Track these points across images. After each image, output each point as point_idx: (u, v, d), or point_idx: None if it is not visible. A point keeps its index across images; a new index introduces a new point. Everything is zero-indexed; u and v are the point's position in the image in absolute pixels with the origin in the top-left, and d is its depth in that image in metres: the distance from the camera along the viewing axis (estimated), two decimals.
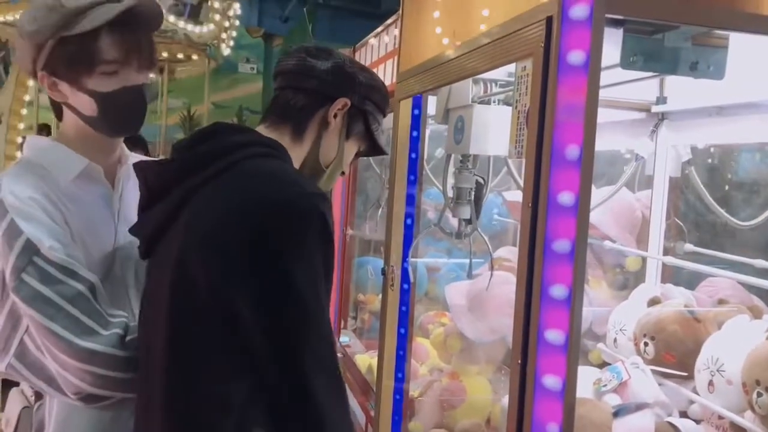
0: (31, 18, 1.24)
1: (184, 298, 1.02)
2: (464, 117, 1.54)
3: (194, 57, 6.55)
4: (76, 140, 1.33)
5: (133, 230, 1.20)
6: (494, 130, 1.50)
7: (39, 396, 1.32)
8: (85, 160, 1.31)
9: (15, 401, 1.37)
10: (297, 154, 1.22)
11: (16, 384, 1.38)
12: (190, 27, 6.00)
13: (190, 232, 1.03)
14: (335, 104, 1.23)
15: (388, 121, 1.58)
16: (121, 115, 1.30)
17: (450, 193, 1.69)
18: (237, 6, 6.57)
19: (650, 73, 1.48)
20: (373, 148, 1.33)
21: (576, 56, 0.92)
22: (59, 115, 1.37)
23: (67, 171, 1.30)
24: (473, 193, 1.64)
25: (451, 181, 1.72)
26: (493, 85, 1.53)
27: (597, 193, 1.96)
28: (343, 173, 1.32)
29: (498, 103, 1.54)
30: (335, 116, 1.23)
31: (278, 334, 0.97)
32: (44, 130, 5.64)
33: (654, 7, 0.96)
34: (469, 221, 1.67)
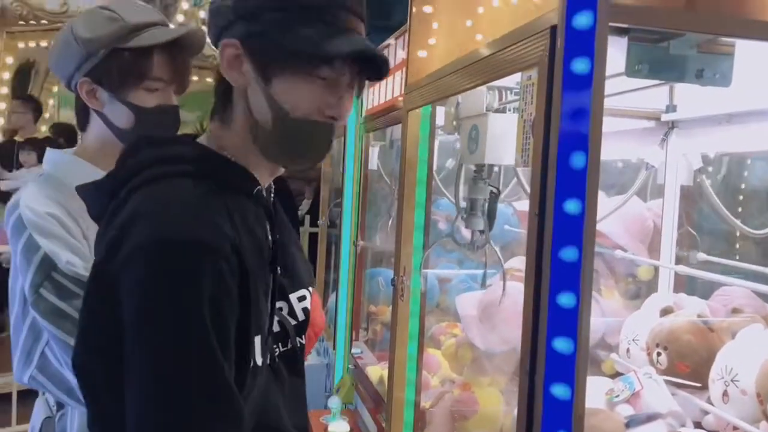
0: (89, 26, 1.28)
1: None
2: (479, 126, 1.51)
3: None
4: (97, 152, 1.35)
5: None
6: (510, 139, 1.47)
7: (61, 406, 1.33)
8: (103, 174, 1.33)
9: (39, 410, 1.39)
10: (239, 140, 0.96)
11: (36, 399, 1.40)
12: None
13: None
14: (222, 56, 0.92)
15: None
16: (155, 132, 1.33)
17: (462, 204, 1.67)
18: None
19: (659, 81, 1.49)
20: (318, 58, 0.90)
21: (580, 65, 0.92)
22: (83, 126, 1.39)
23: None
24: (487, 204, 1.61)
25: (463, 191, 1.70)
26: (508, 92, 1.49)
27: (608, 203, 1.95)
28: (333, 118, 0.96)
29: (513, 111, 1.49)
30: (236, 67, 0.92)
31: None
32: (62, 133, 5.50)
33: (658, 15, 0.96)
34: (482, 232, 1.65)
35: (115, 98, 1.30)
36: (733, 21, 0.98)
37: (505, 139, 1.48)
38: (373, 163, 2.93)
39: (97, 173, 1.33)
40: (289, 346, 1.08)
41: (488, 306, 1.91)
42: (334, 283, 3.34)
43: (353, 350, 2.82)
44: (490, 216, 1.61)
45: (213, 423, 0.84)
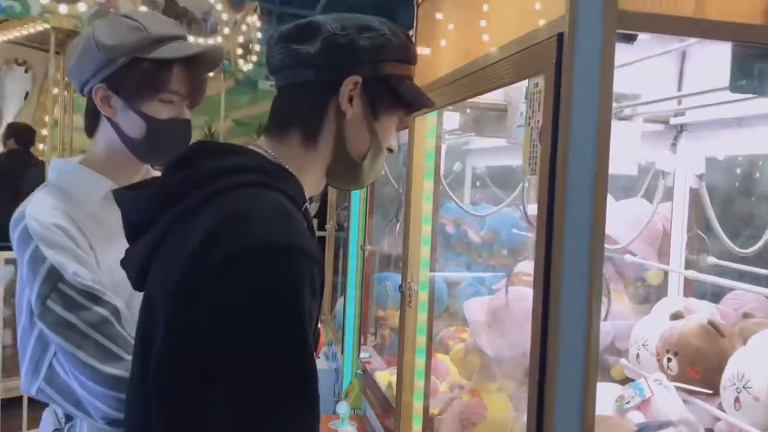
0: (112, 33, 1.29)
1: (148, 338, 0.93)
2: (525, 138, 1.47)
3: (210, 74, 6.56)
4: (104, 161, 1.35)
5: (122, 264, 1.09)
6: (624, 147, 1.44)
7: (69, 418, 1.33)
8: (109, 183, 1.33)
9: (47, 422, 1.39)
10: (315, 162, 1.03)
11: (47, 404, 1.40)
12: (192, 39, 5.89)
13: (158, 271, 0.94)
14: (344, 88, 1.00)
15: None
16: (165, 144, 1.34)
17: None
18: (253, 20, 6.45)
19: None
20: (413, 107, 1.09)
21: (588, 72, 0.91)
22: (91, 132, 1.39)
23: (92, 194, 1.32)
24: None
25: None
26: (623, 99, 1.47)
27: (617, 206, 1.94)
28: (390, 150, 1.11)
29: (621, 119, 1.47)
30: (350, 101, 1.01)
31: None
32: (16, 134, 5.38)
33: (666, 22, 0.95)
34: None
35: (129, 107, 1.30)
36: (742, 27, 0.97)
37: (619, 148, 1.45)
38: None
39: (105, 182, 1.33)
40: None
41: (497, 311, 1.90)
42: (342, 287, 3.33)
43: (362, 355, 2.82)
44: None
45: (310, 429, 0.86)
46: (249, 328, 0.83)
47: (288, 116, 1.04)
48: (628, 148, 1.51)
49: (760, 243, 1.54)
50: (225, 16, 5.91)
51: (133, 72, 1.28)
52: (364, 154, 1.05)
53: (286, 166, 1.01)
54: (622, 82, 1.45)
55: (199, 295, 0.86)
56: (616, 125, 1.41)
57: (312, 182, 1.06)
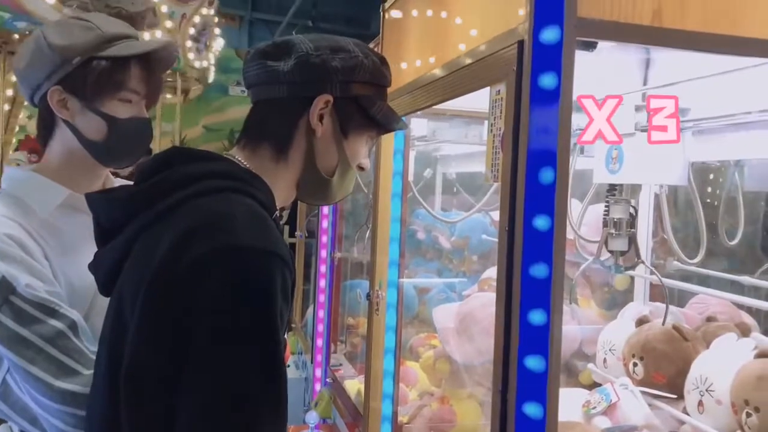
0: (62, 33, 1.25)
1: (118, 341, 0.92)
2: (622, 146, 1.47)
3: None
4: (60, 168, 1.31)
5: (91, 268, 1.08)
6: (655, 159, 1.45)
7: None
8: (65, 191, 1.29)
9: None
10: (285, 175, 1.07)
11: (4, 421, 1.36)
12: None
13: (129, 274, 0.95)
14: (315, 106, 1.04)
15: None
16: (128, 144, 1.31)
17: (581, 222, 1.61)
18: (208, 12, 6.30)
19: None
20: (384, 129, 1.13)
21: (548, 79, 0.91)
22: (45, 141, 1.35)
23: (47, 202, 1.28)
24: (630, 224, 1.56)
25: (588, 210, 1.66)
26: None
27: (583, 211, 1.95)
28: (362, 168, 1.14)
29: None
30: (321, 119, 1.04)
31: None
32: None
33: (625, 30, 0.96)
34: (623, 253, 1.58)
35: (88, 108, 1.27)
36: (699, 36, 0.98)
37: (651, 160, 1.46)
38: None
39: (60, 191, 1.29)
40: None
41: (465, 318, 1.90)
42: (312, 295, 3.31)
43: (331, 363, 2.79)
44: (632, 238, 1.56)
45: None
46: (220, 327, 0.83)
47: (260, 130, 1.06)
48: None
49: (700, 256, 1.57)
50: (164, 8, 5.68)
51: (91, 72, 1.24)
52: (332, 171, 1.08)
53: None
54: None
55: (170, 295, 0.86)
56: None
57: (282, 195, 1.08)
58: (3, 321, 1.12)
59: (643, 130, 1.46)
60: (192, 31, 5.98)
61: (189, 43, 6.02)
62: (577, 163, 1.63)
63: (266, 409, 0.85)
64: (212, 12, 6.28)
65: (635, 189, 1.87)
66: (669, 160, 1.49)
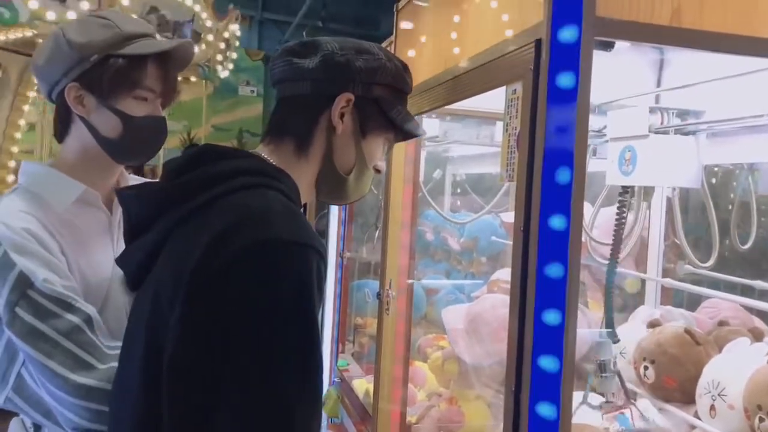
0: (82, 30, 1.26)
1: (156, 337, 0.92)
2: (636, 147, 1.47)
3: (192, 79, 6.54)
4: (76, 164, 1.32)
5: (119, 262, 1.11)
6: (671, 162, 1.45)
7: (38, 428, 1.29)
8: (81, 186, 1.30)
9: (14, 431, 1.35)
10: (306, 171, 1.08)
11: (17, 414, 1.36)
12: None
13: (165, 270, 0.96)
14: (337, 103, 1.06)
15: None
16: (142, 141, 1.31)
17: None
18: (235, 28, 6.52)
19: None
20: (401, 134, 1.14)
21: (565, 79, 0.91)
22: (62, 136, 1.36)
23: (63, 197, 1.29)
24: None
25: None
26: (672, 114, 1.49)
27: (596, 214, 1.94)
28: (378, 171, 1.16)
29: (673, 132, 1.48)
30: (342, 117, 1.07)
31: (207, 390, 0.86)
32: None
33: (644, 29, 0.96)
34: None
35: (104, 105, 1.28)
36: (717, 36, 0.98)
37: (664, 162, 1.46)
38: None
39: (76, 186, 1.30)
40: None
41: (475, 319, 1.89)
42: None
43: (339, 363, 2.79)
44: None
45: (311, 422, 0.87)
46: (263, 319, 0.84)
47: (284, 125, 1.09)
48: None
49: (712, 260, 1.56)
50: (209, 23, 5.89)
51: (107, 69, 1.25)
52: (350, 170, 1.11)
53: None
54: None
55: (213, 290, 0.86)
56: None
57: (303, 191, 1.09)
58: (21, 315, 1.13)
59: (656, 132, 1.46)
60: (222, 45, 6.11)
61: (219, 57, 6.16)
62: (589, 164, 1.63)
63: (306, 401, 0.86)
64: (237, 26, 6.43)
65: (648, 192, 1.87)
66: (682, 162, 1.48)
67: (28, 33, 4.82)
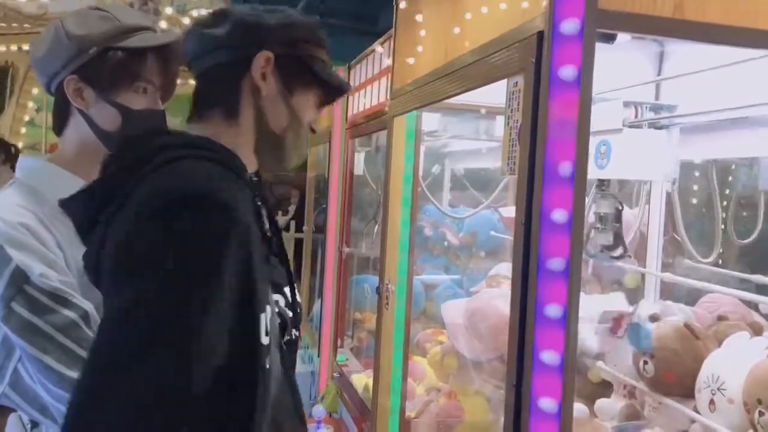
0: (81, 22, 1.25)
1: None
2: (611, 141, 1.47)
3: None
4: (74, 157, 1.31)
5: (83, 264, 1.08)
6: (644, 155, 1.46)
7: (35, 424, 1.28)
8: (80, 180, 1.29)
9: (12, 428, 1.34)
10: (242, 140, 1.06)
11: (15, 410, 1.36)
12: None
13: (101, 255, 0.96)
14: (256, 64, 1.04)
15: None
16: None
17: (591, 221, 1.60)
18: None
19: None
20: (328, 89, 1.12)
21: (567, 71, 0.90)
22: (60, 129, 1.35)
23: (61, 192, 1.27)
24: (615, 218, 1.56)
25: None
26: (645, 108, 1.50)
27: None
28: (313, 131, 1.14)
29: (647, 126, 1.49)
30: (264, 77, 1.05)
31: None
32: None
33: (646, 21, 0.95)
34: (609, 247, 1.59)
35: (103, 98, 1.27)
36: (719, 28, 0.97)
37: (638, 155, 1.46)
38: (359, 168, 2.91)
39: (75, 180, 1.29)
40: (287, 337, 1.09)
41: (474, 314, 1.89)
42: (319, 289, 3.30)
43: (338, 358, 2.79)
44: (618, 233, 1.56)
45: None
46: (153, 268, 0.84)
47: (207, 98, 1.07)
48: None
49: (715, 252, 1.56)
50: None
51: (107, 62, 1.24)
52: (284, 129, 1.08)
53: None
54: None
55: (129, 251, 0.88)
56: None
57: (246, 161, 1.07)
58: (17, 310, 1.12)
59: (630, 126, 1.47)
60: (186, 20, 6.03)
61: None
62: None
63: (163, 355, 0.82)
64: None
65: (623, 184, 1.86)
66: (657, 156, 1.49)
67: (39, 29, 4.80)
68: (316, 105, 1.12)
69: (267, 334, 0.94)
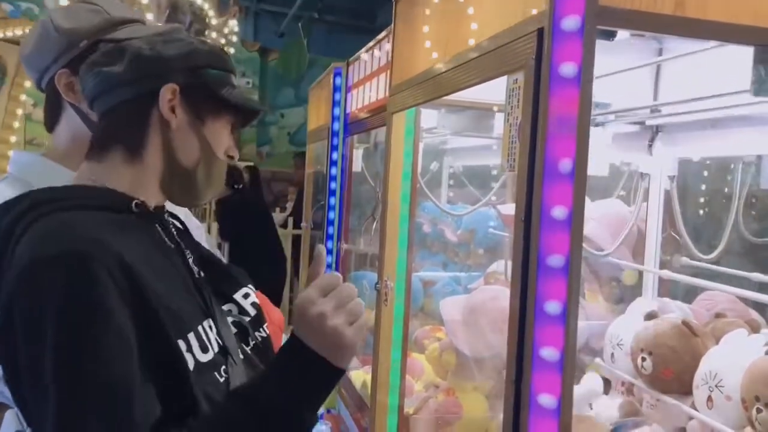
0: (69, 16, 1.25)
1: None
2: (503, 135, 1.47)
3: None
4: (67, 152, 1.30)
5: None
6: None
7: None
8: (73, 175, 1.29)
9: (9, 424, 1.34)
10: (145, 177, 1.03)
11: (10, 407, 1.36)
12: None
13: None
14: (163, 97, 1.00)
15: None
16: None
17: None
18: (234, 23, 6.55)
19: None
20: (241, 113, 1.09)
21: (568, 68, 0.90)
22: (52, 125, 1.34)
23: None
24: None
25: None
26: None
27: (591, 206, 1.95)
28: (231, 157, 1.10)
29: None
30: (172, 110, 1.01)
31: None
32: None
33: (646, 18, 0.95)
34: None
35: None
36: (720, 25, 0.97)
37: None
38: (357, 165, 2.91)
39: (69, 175, 1.29)
40: (252, 342, 1.09)
41: (473, 310, 1.89)
42: None
43: None
44: None
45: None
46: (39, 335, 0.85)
47: (108, 138, 1.04)
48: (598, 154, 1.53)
49: (718, 250, 1.56)
50: (214, 21, 5.92)
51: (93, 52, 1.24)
52: (196, 162, 1.05)
53: (96, 183, 1.03)
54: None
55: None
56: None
57: (148, 195, 1.04)
58: None
59: None
60: (222, 41, 6.11)
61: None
62: None
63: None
64: (236, 21, 6.44)
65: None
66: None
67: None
68: (230, 131, 1.08)
69: (204, 352, 0.94)
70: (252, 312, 1.12)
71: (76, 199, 0.97)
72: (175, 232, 1.06)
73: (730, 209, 1.68)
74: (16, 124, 5.51)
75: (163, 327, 0.89)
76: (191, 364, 0.92)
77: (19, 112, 5.45)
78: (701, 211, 1.85)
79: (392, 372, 1.85)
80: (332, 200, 2.95)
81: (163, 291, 0.91)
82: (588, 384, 1.68)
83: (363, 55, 2.58)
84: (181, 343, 0.92)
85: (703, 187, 2.00)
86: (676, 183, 1.74)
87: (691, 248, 1.61)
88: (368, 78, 2.47)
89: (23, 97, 5.41)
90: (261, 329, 1.13)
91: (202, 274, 1.06)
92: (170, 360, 0.90)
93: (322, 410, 2.38)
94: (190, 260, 1.05)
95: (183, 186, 1.05)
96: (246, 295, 1.13)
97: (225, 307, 1.08)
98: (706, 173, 1.99)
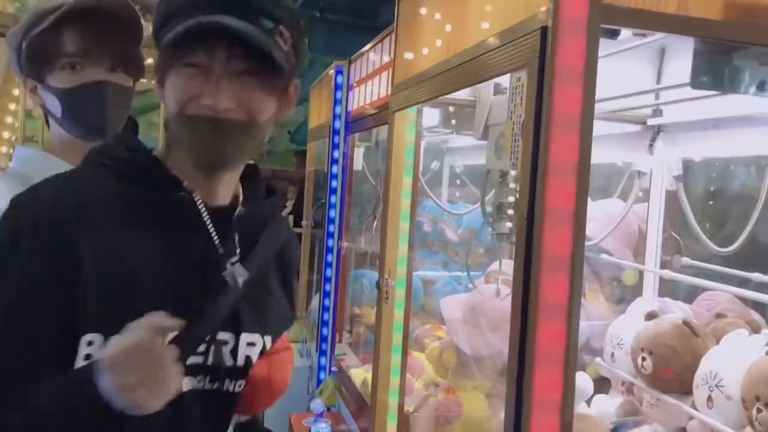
0: (14, 27, 1.27)
1: None
2: (506, 133, 1.48)
3: None
4: (59, 148, 1.31)
5: None
6: None
7: None
8: (69, 167, 1.29)
9: None
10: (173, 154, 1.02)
11: None
12: None
13: None
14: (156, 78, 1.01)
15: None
16: (83, 113, 1.25)
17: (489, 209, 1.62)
18: None
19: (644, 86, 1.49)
20: (171, 49, 0.95)
21: (571, 66, 0.90)
22: (47, 123, 1.36)
23: None
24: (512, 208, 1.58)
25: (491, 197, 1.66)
26: None
27: (593, 206, 1.94)
28: (212, 108, 0.94)
29: None
30: (160, 83, 0.99)
31: None
32: None
33: (650, 17, 0.95)
34: (506, 236, 1.60)
35: (44, 87, 1.25)
36: (724, 25, 0.97)
37: None
38: (358, 163, 2.91)
39: (64, 167, 1.29)
40: (216, 386, 1.01)
41: (473, 309, 1.89)
42: (317, 284, 3.31)
43: (336, 352, 2.79)
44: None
45: None
46: None
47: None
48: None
49: (737, 243, 1.56)
50: None
51: (26, 51, 1.24)
52: (172, 125, 1.00)
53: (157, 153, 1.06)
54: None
55: None
56: None
57: (180, 168, 1.02)
58: None
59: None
60: None
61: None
62: None
63: None
64: None
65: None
66: None
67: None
68: (190, 75, 0.94)
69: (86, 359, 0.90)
70: (239, 362, 1.03)
71: (99, 157, 1.03)
72: (210, 225, 1.00)
73: (746, 207, 1.67)
74: (9, 119, 5.46)
75: (73, 316, 0.90)
76: (81, 360, 0.90)
77: (12, 107, 5.41)
78: (705, 211, 1.85)
79: (392, 370, 1.85)
80: (333, 198, 2.95)
81: (116, 272, 0.92)
82: (577, 383, 1.68)
83: (365, 53, 2.58)
84: (93, 337, 0.91)
85: (706, 186, 2.00)
86: (682, 182, 1.74)
87: (707, 243, 1.59)
88: (370, 76, 2.47)
89: (16, 92, 5.37)
90: (234, 382, 1.05)
91: (239, 282, 0.99)
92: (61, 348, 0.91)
93: (322, 408, 2.38)
94: (229, 263, 0.99)
95: (179, 150, 1.00)
96: (251, 344, 1.05)
97: (223, 336, 1.01)
98: (708, 173, 1.99)
